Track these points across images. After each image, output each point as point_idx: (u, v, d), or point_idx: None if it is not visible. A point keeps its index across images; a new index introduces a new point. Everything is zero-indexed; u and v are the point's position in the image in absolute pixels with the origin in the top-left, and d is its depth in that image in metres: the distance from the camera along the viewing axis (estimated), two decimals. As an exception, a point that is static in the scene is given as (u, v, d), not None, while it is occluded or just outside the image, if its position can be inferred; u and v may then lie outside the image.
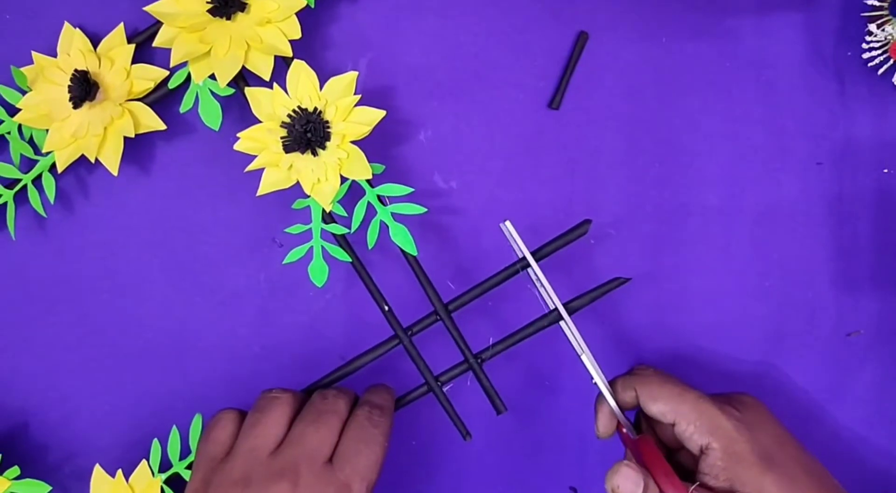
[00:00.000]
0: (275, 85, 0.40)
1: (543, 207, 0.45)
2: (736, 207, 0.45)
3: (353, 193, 0.42)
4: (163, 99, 0.42)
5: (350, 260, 0.41)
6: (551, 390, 0.46)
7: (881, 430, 0.47)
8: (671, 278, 0.46)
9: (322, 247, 0.41)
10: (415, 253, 0.41)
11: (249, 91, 0.41)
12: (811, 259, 0.46)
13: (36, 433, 0.45)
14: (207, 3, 0.40)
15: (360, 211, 0.41)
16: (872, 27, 0.43)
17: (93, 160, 0.41)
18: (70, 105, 0.41)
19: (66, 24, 0.42)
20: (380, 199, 0.41)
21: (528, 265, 0.40)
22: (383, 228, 0.41)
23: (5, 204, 0.42)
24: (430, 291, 0.42)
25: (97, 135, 0.41)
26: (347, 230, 0.41)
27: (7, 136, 0.42)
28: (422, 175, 0.45)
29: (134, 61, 0.42)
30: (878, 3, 0.43)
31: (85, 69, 0.41)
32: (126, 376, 0.45)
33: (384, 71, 0.44)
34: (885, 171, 0.45)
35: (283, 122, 0.40)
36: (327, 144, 0.40)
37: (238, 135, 0.40)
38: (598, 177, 0.45)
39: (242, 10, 0.40)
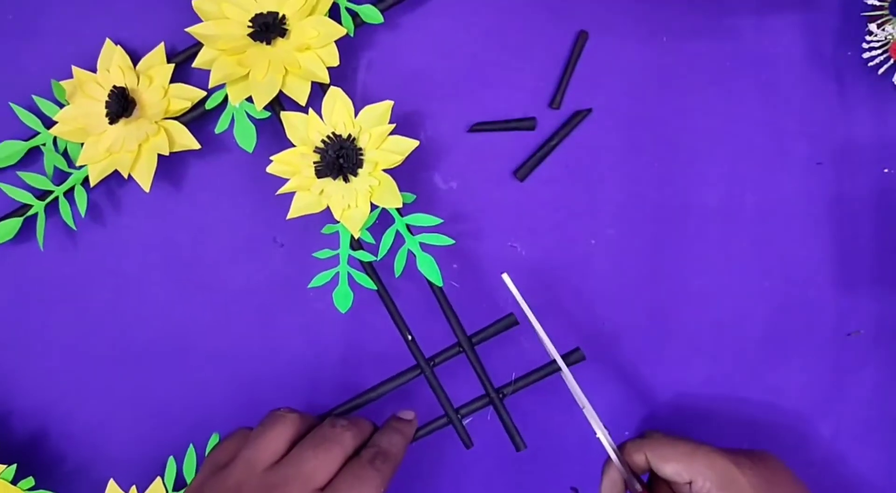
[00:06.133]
0: (310, 110, 0.41)
1: (544, 207, 0.45)
2: (736, 207, 0.46)
3: (380, 220, 0.42)
4: (198, 118, 0.43)
5: (375, 288, 0.41)
6: (552, 390, 0.45)
7: (881, 430, 0.47)
8: (671, 277, 0.46)
9: (348, 273, 0.41)
10: (440, 284, 0.41)
11: (285, 115, 0.41)
12: (811, 259, 0.46)
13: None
14: (248, 27, 0.41)
15: (387, 239, 0.41)
16: (872, 27, 0.43)
17: (126, 176, 0.42)
18: (106, 120, 0.42)
19: (108, 41, 0.42)
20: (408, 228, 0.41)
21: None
22: (408, 256, 0.41)
23: (35, 215, 0.43)
24: (455, 323, 0.41)
25: (131, 151, 0.42)
26: (374, 258, 0.41)
27: (42, 147, 0.43)
28: (422, 176, 0.45)
29: (172, 81, 0.42)
30: (878, 3, 0.43)
31: (123, 86, 0.42)
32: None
33: (384, 71, 0.44)
34: (886, 170, 0.45)
35: (316, 147, 0.41)
36: (359, 171, 0.40)
37: (271, 158, 0.41)
38: (598, 176, 0.45)
39: (283, 36, 0.41)
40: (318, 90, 0.41)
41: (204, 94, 0.42)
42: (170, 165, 0.44)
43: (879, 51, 0.43)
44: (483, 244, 0.45)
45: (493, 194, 0.45)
